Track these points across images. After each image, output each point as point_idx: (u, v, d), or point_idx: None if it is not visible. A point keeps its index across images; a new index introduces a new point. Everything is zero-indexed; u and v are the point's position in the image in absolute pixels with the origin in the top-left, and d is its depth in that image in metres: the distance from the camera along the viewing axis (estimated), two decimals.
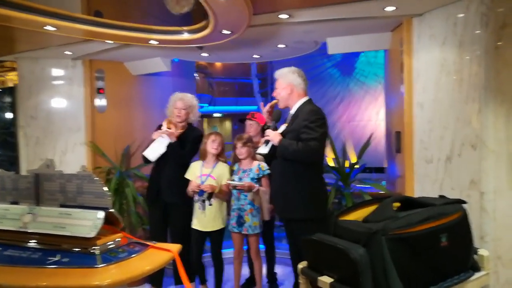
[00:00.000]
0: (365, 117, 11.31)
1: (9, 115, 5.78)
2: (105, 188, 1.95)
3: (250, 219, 3.56)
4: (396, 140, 3.95)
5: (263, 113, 3.43)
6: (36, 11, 2.93)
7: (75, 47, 4.25)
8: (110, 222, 2.03)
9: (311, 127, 3.00)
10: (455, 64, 3.14)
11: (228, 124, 17.71)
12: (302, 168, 3.09)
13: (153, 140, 3.78)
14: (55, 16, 3.05)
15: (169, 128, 3.73)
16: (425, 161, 3.45)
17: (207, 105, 15.47)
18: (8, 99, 5.76)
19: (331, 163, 4.23)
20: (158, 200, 3.82)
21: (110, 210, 1.95)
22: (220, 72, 18.47)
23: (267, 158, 3.46)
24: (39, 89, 4.79)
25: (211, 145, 3.67)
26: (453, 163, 3.15)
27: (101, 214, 1.92)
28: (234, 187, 3.53)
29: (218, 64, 18.96)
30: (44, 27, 3.22)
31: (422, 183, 3.48)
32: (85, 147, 4.85)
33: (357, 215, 2.29)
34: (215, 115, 16.95)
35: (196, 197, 3.62)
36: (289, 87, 3.14)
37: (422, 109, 3.48)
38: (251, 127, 4.21)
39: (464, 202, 2.14)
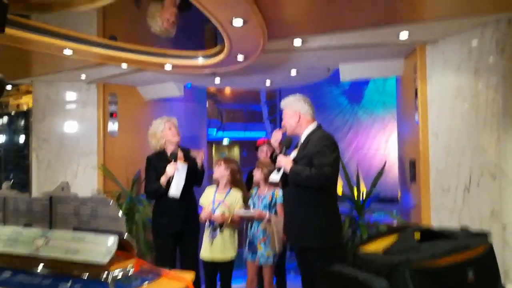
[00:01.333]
0: (374, 146, 11.23)
1: (22, 139, 5.84)
2: (120, 212, 1.91)
3: (262, 248, 3.47)
4: (410, 168, 3.89)
5: (273, 141, 3.42)
6: (56, 35, 2.99)
7: (90, 71, 4.30)
8: (123, 248, 1.98)
9: (323, 152, 2.97)
10: (471, 91, 3.11)
11: (236, 151, 17.70)
12: (315, 195, 3.04)
13: (168, 177, 3.55)
14: (73, 40, 3.11)
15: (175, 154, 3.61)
16: (442, 190, 3.37)
17: (215, 131, 15.52)
18: (22, 123, 5.83)
19: (340, 190, 4.16)
20: (168, 228, 3.71)
21: (124, 236, 1.91)
22: (229, 99, 18.62)
23: (277, 185, 3.41)
24: (52, 112, 4.83)
25: (219, 171, 3.63)
26: (471, 192, 3.07)
27: (115, 239, 1.87)
28: (243, 217, 3.47)
29: (227, 90, 19.19)
30: (63, 50, 3.27)
31: (439, 213, 3.39)
32: (96, 171, 4.84)
33: (377, 245, 2.21)
34: (224, 141, 16.95)
35: (207, 225, 3.56)
36: (296, 115, 3.12)
37: (437, 136, 3.43)
38: (264, 153, 4.19)
39: (489, 234, 2.06)
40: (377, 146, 11.27)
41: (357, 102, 12.12)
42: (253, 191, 3.67)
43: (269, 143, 4.24)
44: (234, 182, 3.67)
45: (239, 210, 3.49)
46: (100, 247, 1.87)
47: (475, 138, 3.06)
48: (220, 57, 3.57)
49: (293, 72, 4.61)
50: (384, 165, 4.15)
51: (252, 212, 3.44)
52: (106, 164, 4.90)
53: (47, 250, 1.95)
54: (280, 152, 3.15)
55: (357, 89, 12.03)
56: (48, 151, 4.79)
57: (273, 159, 3.56)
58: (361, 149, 11.35)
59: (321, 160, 2.94)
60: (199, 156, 3.70)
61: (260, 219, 3.45)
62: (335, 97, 12.22)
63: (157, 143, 3.74)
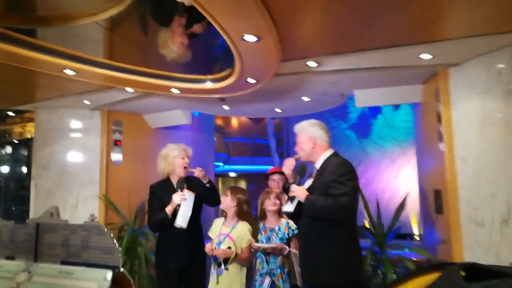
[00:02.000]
0: (384, 181, 10.96)
1: (24, 168, 5.63)
2: (116, 243, 1.64)
3: (281, 285, 3.14)
4: (435, 200, 3.59)
5: (286, 169, 3.16)
6: (56, 53, 2.84)
7: (94, 96, 4.15)
8: (118, 285, 1.70)
9: (340, 181, 2.70)
10: (502, 114, 2.87)
11: (243, 184, 17.40)
12: (333, 228, 2.74)
13: (174, 206, 3.26)
14: (74, 59, 2.95)
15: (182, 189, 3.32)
16: (475, 224, 3.06)
17: (222, 164, 15.34)
18: (24, 151, 5.64)
19: (366, 225, 3.85)
20: (173, 263, 3.38)
21: (120, 270, 1.63)
22: (236, 132, 18.59)
23: (293, 217, 3.12)
24: (54, 139, 4.65)
25: (226, 202, 3.34)
26: (510, 226, 2.76)
27: (108, 275, 1.60)
28: (264, 250, 3.15)
29: (234, 124, 19.16)
30: (64, 70, 3.11)
31: (473, 249, 3.07)
32: (98, 201, 4.59)
33: (413, 285, 1.92)
34: (231, 174, 16.72)
35: (212, 260, 3.24)
36: (311, 140, 2.86)
37: (466, 164, 3.16)
38: (276, 182, 3.91)
39: None
40: (387, 181, 11.00)
41: (365, 136, 11.94)
42: (259, 226, 3.35)
43: (281, 172, 3.97)
44: (241, 213, 3.36)
45: (258, 241, 3.18)
46: (91, 284, 1.59)
47: (510, 166, 2.79)
48: (230, 80, 3.40)
49: (305, 99, 4.42)
50: (406, 198, 3.85)
51: (274, 244, 3.12)
52: (108, 194, 4.66)
53: (29, 287, 1.68)
54: (294, 181, 2.88)
55: (365, 123, 11.90)
56: (48, 180, 4.57)
57: (286, 189, 3.30)
58: (371, 184, 11.05)
59: (337, 190, 2.67)
60: (198, 173, 3.42)
61: (280, 253, 3.14)
62: (342, 131, 12.06)
63: (165, 168, 3.48)
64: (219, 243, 3.23)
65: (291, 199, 2.84)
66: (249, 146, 17.71)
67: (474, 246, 3.08)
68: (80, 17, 2.50)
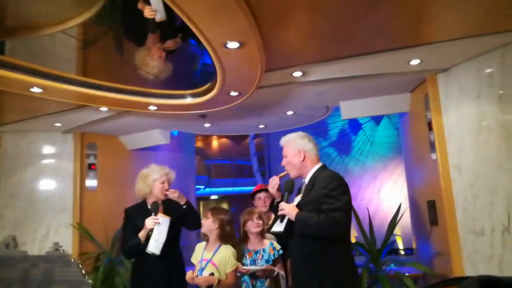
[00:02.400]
0: (367, 197, 10.93)
1: None
2: (84, 275, 1.39)
3: None
4: (430, 211, 3.44)
5: (271, 188, 2.97)
6: (22, 69, 2.58)
7: (66, 117, 3.88)
8: None
9: (333, 195, 2.50)
10: (497, 118, 2.77)
11: (225, 206, 17.04)
12: (327, 246, 2.53)
13: (147, 231, 3.00)
14: (42, 76, 2.71)
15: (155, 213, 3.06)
16: (474, 234, 2.91)
17: (203, 187, 15.02)
18: None
19: (353, 240, 3.65)
20: None
21: None
22: (217, 154, 18.36)
23: (282, 237, 2.88)
24: (23, 166, 4.32)
25: (208, 224, 3.09)
26: None
27: None
28: (253, 273, 2.90)
29: (214, 145, 18.94)
30: (31, 89, 2.86)
31: (473, 260, 2.90)
32: (71, 230, 4.26)
33: None
34: (212, 197, 16.39)
35: None
36: (300, 153, 2.67)
37: (461, 171, 3.03)
38: (262, 201, 3.68)
39: None
40: (370, 196, 10.96)
41: (346, 153, 11.93)
42: (242, 248, 3.10)
43: (267, 189, 3.76)
44: (224, 236, 3.09)
45: (249, 266, 2.93)
46: None
47: (509, 171, 2.67)
48: (211, 94, 3.20)
49: (289, 113, 4.27)
50: (399, 208, 3.68)
51: (264, 266, 2.88)
52: (82, 222, 4.34)
53: None
54: (282, 199, 2.66)
55: (345, 140, 11.90)
56: (16, 210, 4.22)
57: (274, 208, 3.08)
58: (355, 200, 10.92)
59: (330, 204, 2.47)
60: (171, 194, 3.18)
61: (270, 274, 2.90)
62: (323, 148, 12.03)
63: (142, 189, 3.23)
64: (201, 269, 2.96)
65: (281, 218, 2.62)
66: (231, 168, 17.47)
67: (474, 257, 2.92)
68: (47, 26, 2.27)
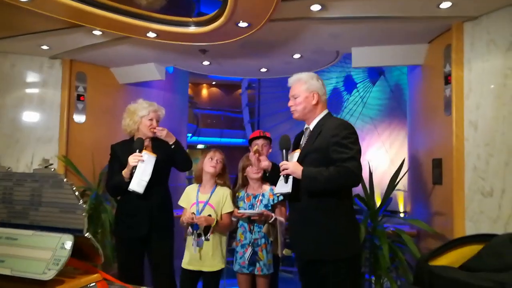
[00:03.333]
0: None
1: None
2: (79, 198, 1.20)
3: (264, 256, 2.80)
4: (435, 169, 3.32)
5: (252, 161, 2.79)
6: None
7: (54, 39, 3.54)
8: (81, 255, 1.27)
9: (344, 144, 2.32)
10: None
11: None
12: (334, 199, 2.40)
13: (131, 168, 2.82)
14: None
15: (142, 149, 2.87)
16: (481, 194, 2.80)
17: (191, 135, 14.84)
18: None
19: None
20: (131, 231, 2.97)
21: (85, 235, 1.20)
22: (206, 103, 18.05)
23: (289, 197, 2.73)
24: (5, 90, 4.00)
25: (209, 163, 2.92)
26: None
27: (67, 241, 1.16)
28: (249, 217, 2.78)
29: (204, 94, 18.56)
30: None
31: (477, 221, 2.82)
32: (57, 162, 4.04)
33: (450, 258, 1.61)
34: (199, 146, 16.25)
35: (190, 231, 2.84)
36: (314, 95, 2.46)
37: (476, 130, 2.88)
38: (260, 147, 3.50)
39: None
40: None
41: (336, 114, 11.80)
42: (240, 193, 2.98)
43: (265, 137, 3.57)
44: (222, 177, 2.97)
45: (244, 210, 2.80)
46: (42, 253, 1.14)
47: None
48: (218, 23, 2.91)
49: (296, 56, 4.00)
50: (400, 166, 3.53)
51: (259, 211, 2.75)
52: (69, 154, 4.11)
53: None
54: (285, 158, 2.46)
55: (337, 99, 11.73)
56: None
57: (267, 177, 2.91)
58: None
59: (342, 153, 2.30)
60: (159, 132, 3.00)
61: (266, 220, 2.78)
62: None
63: (129, 125, 3.05)
64: (198, 212, 2.82)
65: (285, 177, 2.44)
66: (219, 118, 17.25)
67: (478, 217, 2.84)
68: None
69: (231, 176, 3.15)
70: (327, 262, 2.41)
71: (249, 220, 2.81)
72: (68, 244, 1.16)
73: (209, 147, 16.47)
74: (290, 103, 2.52)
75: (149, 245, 3.00)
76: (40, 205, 1.22)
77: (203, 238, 2.80)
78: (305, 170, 2.32)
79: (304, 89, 2.45)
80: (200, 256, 2.81)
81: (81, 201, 1.19)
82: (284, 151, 2.45)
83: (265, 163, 2.80)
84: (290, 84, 2.53)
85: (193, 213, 2.81)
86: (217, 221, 2.79)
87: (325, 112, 2.52)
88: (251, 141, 3.58)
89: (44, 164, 1.23)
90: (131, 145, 2.96)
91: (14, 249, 1.16)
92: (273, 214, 2.79)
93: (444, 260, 1.52)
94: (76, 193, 1.18)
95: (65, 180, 1.20)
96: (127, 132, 3.11)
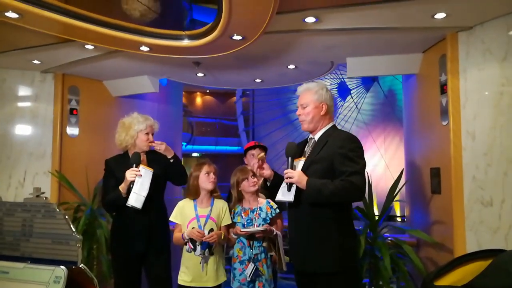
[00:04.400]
0: None
1: None
2: (72, 228, 1.15)
3: (265, 271, 2.74)
4: (433, 178, 3.30)
5: (255, 168, 2.77)
6: None
7: (45, 54, 3.49)
8: (76, 285, 1.21)
9: (351, 157, 2.32)
10: None
11: None
12: (333, 210, 2.38)
13: (128, 183, 2.79)
14: None
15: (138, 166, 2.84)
16: (481, 204, 2.78)
17: (185, 144, 14.79)
18: None
19: None
20: (128, 247, 2.94)
21: (79, 266, 1.15)
22: (200, 111, 18.00)
23: (291, 206, 2.70)
24: None
25: (206, 180, 2.86)
26: None
27: (61, 273, 1.11)
28: (252, 235, 2.72)
29: (198, 102, 18.50)
30: (6, 13, 2.47)
31: (477, 231, 2.80)
32: (50, 178, 3.97)
33: (455, 277, 1.57)
34: (194, 154, 16.19)
35: (190, 247, 2.76)
36: (323, 105, 2.47)
37: (474, 139, 2.86)
38: (255, 158, 3.46)
39: None
40: None
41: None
42: (236, 208, 2.91)
43: (260, 146, 3.54)
44: (216, 191, 2.93)
45: (248, 228, 2.74)
46: (35, 287, 1.09)
47: None
48: (212, 36, 2.88)
49: (291, 67, 3.98)
50: (400, 175, 3.51)
51: (263, 227, 2.70)
52: (62, 170, 4.05)
53: None
54: (290, 166, 2.44)
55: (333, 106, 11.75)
56: None
57: (270, 185, 2.86)
58: None
59: (347, 166, 2.29)
60: (158, 146, 3.01)
61: (268, 235, 2.73)
62: None
63: (124, 140, 3.01)
64: (201, 227, 2.76)
65: (288, 185, 2.41)
66: (214, 126, 17.20)
67: (478, 227, 2.82)
68: None
69: (225, 184, 3.12)
70: (323, 274, 2.39)
71: (251, 237, 2.75)
72: (62, 277, 1.11)
73: (203, 156, 16.43)
74: (298, 112, 2.52)
75: (146, 260, 2.95)
76: (32, 236, 1.17)
77: (206, 253, 2.74)
78: (310, 181, 2.31)
79: (314, 99, 2.46)
80: (206, 272, 2.75)
81: (74, 232, 1.14)
82: (290, 158, 2.42)
83: (268, 172, 2.77)
84: (299, 93, 2.53)
85: (198, 231, 2.73)
86: (224, 236, 2.76)
87: (331, 124, 2.52)
88: (246, 151, 3.55)
89: (35, 193, 1.17)
90: (126, 160, 2.92)
91: (5, 284, 1.11)
92: (274, 229, 2.75)
93: (450, 278, 1.49)
94: (70, 224, 1.13)
95: (57, 209, 1.15)
96: (122, 147, 3.08)
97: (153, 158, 3.05)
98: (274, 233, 2.73)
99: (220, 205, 2.86)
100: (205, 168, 2.87)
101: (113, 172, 2.96)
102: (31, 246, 1.16)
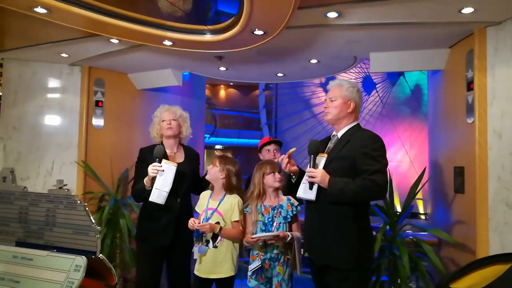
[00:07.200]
0: None
1: None
2: (92, 219, 1.19)
3: (284, 271, 2.75)
4: (456, 177, 3.23)
5: (282, 163, 2.73)
6: None
7: (73, 47, 3.59)
8: (95, 274, 1.27)
9: (374, 156, 2.32)
10: None
11: None
12: (352, 208, 2.38)
13: (151, 178, 2.78)
14: None
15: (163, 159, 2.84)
16: (506, 205, 2.71)
17: (208, 136, 14.91)
18: None
19: None
20: (155, 239, 2.97)
21: (98, 256, 1.19)
22: (224, 104, 18.08)
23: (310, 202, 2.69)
24: (26, 97, 4.09)
25: (210, 172, 2.90)
26: None
27: (81, 262, 1.16)
28: (265, 242, 2.72)
29: (222, 95, 18.60)
30: (34, 8, 2.56)
31: (501, 232, 2.73)
32: (76, 168, 4.10)
33: (472, 280, 1.55)
34: (217, 147, 16.31)
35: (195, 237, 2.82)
36: (351, 103, 2.47)
37: (501, 138, 2.78)
38: (271, 153, 3.47)
39: None
40: None
41: None
42: (257, 205, 2.88)
43: (276, 141, 3.54)
44: (229, 187, 2.90)
45: (259, 234, 2.73)
46: (57, 275, 1.14)
47: None
48: (233, 31, 2.89)
49: (313, 61, 3.95)
50: (423, 173, 3.45)
51: (275, 233, 2.68)
52: (88, 160, 4.17)
53: None
54: (312, 164, 2.43)
55: None
56: (19, 142, 4.03)
57: (294, 182, 2.83)
58: None
59: (370, 165, 2.28)
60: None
61: (283, 241, 2.71)
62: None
63: (155, 136, 3.11)
64: (206, 219, 2.80)
65: (310, 184, 2.41)
66: (237, 119, 17.25)
67: (502, 228, 2.75)
68: None
69: (244, 177, 3.11)
70: (338, 269, 2.39)
71: (264, 243, 2.75)
72: (82, 266, 1.15)
73: (226, 148, 16.54)
74: (325, 105, 2.51)
75: (170, 252, 2.98)
76: (55, 225, 1.22)
77: (210, 245, 2.77)
78: (332, 181, 2.30)
79: (344, 95, 2.47)
80: (207, 263, 2.79)
81: (94, 223, 1.18)
82: (312, 156, 2.42)
83: (295, 167, 2.77)
84: (329, 87, 2.54)
85: (194, 220, 2.78)
86: (220, 228, 2.75)
87: (355, 122, 2.52)
88: (261, 147, 3.56)
89: (58, 185, 1.23)
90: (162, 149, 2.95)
91: (29, 270, 1.17)
92: (289, 234, 2.72)
93: (466, 282, 1.47)
94: (90, 215, 1.18)
95: (78, 201, 1.20)
96: (156, 140, 3.14)
97: (190, 155, 3.12)
98: (290, 237, 2.70)
99: (230, 200, 2.86)
100: (216, 162, 2.88)
101: (146, 161, 2.94)
102: (54, 235, 1.21)
